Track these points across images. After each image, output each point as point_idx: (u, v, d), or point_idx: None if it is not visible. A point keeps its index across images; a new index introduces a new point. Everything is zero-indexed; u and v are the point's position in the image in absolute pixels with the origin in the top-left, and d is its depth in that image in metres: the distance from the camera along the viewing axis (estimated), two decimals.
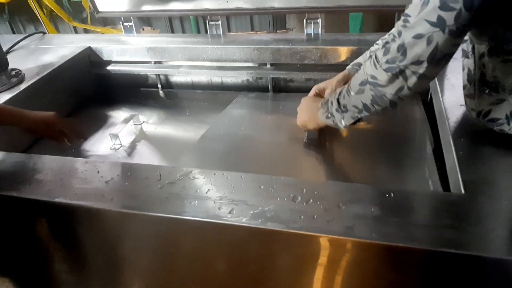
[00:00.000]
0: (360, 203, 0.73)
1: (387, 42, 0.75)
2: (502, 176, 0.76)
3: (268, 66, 1.52)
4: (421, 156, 1.07)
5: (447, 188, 0.85)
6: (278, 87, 1.60)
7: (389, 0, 1.36)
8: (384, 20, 2.72)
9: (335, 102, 0.91)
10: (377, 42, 1.13)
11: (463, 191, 0.74)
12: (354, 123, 0.91)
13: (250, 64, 1.54)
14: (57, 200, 0.82)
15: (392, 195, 0.74)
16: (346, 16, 3.07)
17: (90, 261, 0.95)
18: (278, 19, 3.96)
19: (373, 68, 0.78)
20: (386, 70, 0.75)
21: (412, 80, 0.73)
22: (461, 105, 0.98)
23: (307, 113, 1.08)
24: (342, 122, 0.92)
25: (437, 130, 1.04)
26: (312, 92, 1.16)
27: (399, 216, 0.69)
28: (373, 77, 0.78)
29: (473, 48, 0.85)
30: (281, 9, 1.48)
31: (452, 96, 1.03)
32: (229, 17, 3.99)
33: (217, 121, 1.35)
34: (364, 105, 0.84)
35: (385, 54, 0.74)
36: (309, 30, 1.50)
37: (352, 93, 0.85)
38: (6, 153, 0.99)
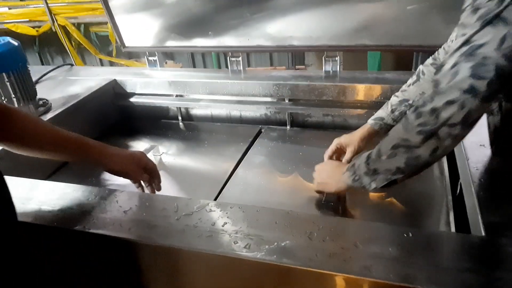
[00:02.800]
0: (378, 243, 0.72)
1: (417, 107, 0.74)
2: None
3: (287, 101, 1.55)
4: (440, 198, 1.06)
5: (467, 230, 0.83)
6: (296, 122, 1.62)
7: (407, 39, 1.39)
8: (402, 58, 2.76)
9: (363, 166, 0.88)
10: (396, 94, 1.11)
11: (483, 233, 0.72)
12: (387, 185, 0.87)
13: (269, 99, 1.57)
14: (76, 228, 0.83)
15: (411, 235, 0.73)
16: (364, 53, 3.11)
17: None
18: (296, 55, 4.04)
19: (405, 131, 0.76)
20: (419, 133, 0.73)
21: (447, 141, 0.72)
22: (481, 145, 0.98)
23: (329, 175, 1.04)
24: (372, 185, 0.87)
25: (457, 171, 1.03)
26: (333, 147, 1.13)
27: (417, 257, 0.68)
28: (405, 140, 0.77)
29: (499, 106, 0.85)
30: (300, 47, 1.52)
31: (472, 136, 1.02)
32: (249, 52, 4.10)
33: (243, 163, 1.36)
34: (398, 168, 0.81)
35: (417, 117, 0.73)
36: (328, 67, 1.53)
37: (383, 157, 0.82)
38: (29, 180, 1.02)
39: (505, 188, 0.83)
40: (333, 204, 1.08)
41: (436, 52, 1.09)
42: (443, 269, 0.65)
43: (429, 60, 1.09)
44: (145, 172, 1.04)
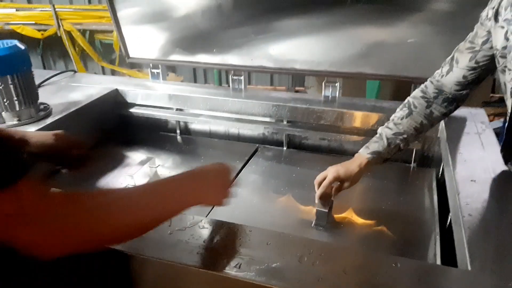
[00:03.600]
0: (366, 270, 0.73)
1: None
2: (509, 255, 0.76)
3: (285, 122, 1.57)
4: (429, 229, 1.08)
5: (455, 263, 0.85)
6: (292, 143, 1.64)
7: (405, 71, 1.42)
8: (400, 88, 2.80)
9: None
10: (388, 125, 1.11)
11: (469, 267, 0.74)
12: None
13: (268, 119, 1.60)
14: None
15: (399, 265, 0.74)
16: (363, 81, 3.16)
17: None
18: (297, 77, 4.09)
19: None
20: None
21: None
22: (471, 180, 1.00)
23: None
24: None
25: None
26: (331, 179, 1.07)
27: (404, 287, 0.69)
28: None
29: None
30: (301, 71, 1.55)
31: (464, 171, 1.05)
32: (251, 72, 4.15)
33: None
34: None
35: None
36: (327, 92, 1.56)
37: None
38: None
39: (494, 223, 0.85)
40: (322, 227, 1.10)
41: (424, 85, 1.12)
42: None
43: (418, 93, 1.11)
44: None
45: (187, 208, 0.74)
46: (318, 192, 1.09)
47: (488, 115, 3.82)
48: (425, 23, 1.32)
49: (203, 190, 0.79)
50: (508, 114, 0.97)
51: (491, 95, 3.83)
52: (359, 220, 1.15)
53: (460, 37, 1.29)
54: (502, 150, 1.07)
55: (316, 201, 1.09)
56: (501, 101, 3.80)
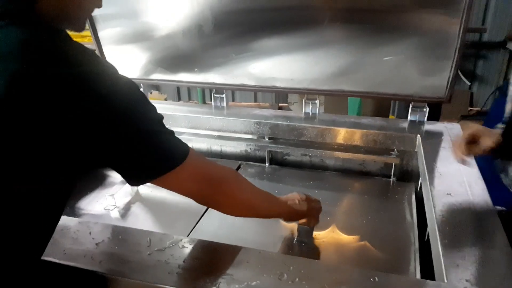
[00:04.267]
0: (345, 286, 0.74)
1: None
2: (484, 266, 0.78)
3: (267, 139, 1.59)
4: (409, 243, 1.09)
5: (432, 276, 0.86)
6: (275, 160, 1.65)
7: (383, 88, 1.45)
8: (381, 104, 2.86)
9: None
10: None
11: (445, 280, 0.75)
12: None
13: (250, 136, 1.61)
14: (46, 258, 0.82)
15: (377, 279, 0.75)
16: (345, 98, 3.21)
17: None
18: (280, 94, 4.14)
19: None
20: None
21: None
22: (447, 193, 1.02)
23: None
24: None
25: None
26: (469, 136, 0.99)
27: None
28: None
29: None
30: (282, 89, 1.57)
31: (440, 185, 1.07)
32: (233, 90, 4.18)
33: None
34: None
35: None
36: (307, 109, 1.58)
37: None
38: None
39: (469, 236, 0.87)
40: (305, 244, 1.10)
41: None
42: None
43: None
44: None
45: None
46: (456, 147, 1.02)
47: None
48: (400, 41, 1.36)
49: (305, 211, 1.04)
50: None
51: (469, 108, 3.93)
52: (341, 236, 1.16)
53: (433, 54, 1.34)
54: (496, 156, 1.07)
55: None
56: (479, 114, 3.89)
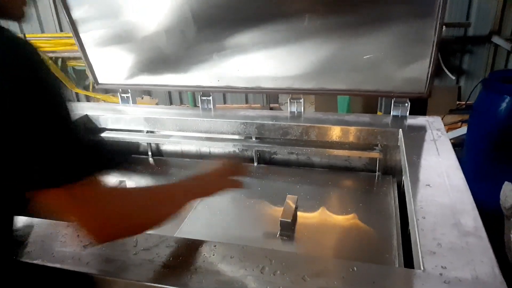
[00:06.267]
0: (324, 276, 0.76)
1: None
2: (460, 253, 0.80)
3: (254, 139, 1.61)
4: (391, 235, 1.12)
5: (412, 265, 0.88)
6: (263, 159, 1.68)
7: (366, 85, 1.48)
8: (369, 101, 2.90)
9: None
10: None
11: (422, 268, 0.78)
12: None
13: (237, 137, 1.63)
14: (35, 262, 0.84)
15: (356, 269, 0.78)
16: (334, 96, 3.25)
17: None
18: (266, 94, 4.16)
19: None
20: None
21: None
22: (426, 185, 1.05)
23: None
24: None
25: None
26: None
27: None
28: None
29: None
30: (267, 89, 1.60)
31: (420, 176, 1.10)
32: (220, 92, 4.20)
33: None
34: None
35: None
36: (293, 108, 1.61)
37: None
38: None
39: (445, 224, 0.90)
40: (288, 237, 1.13)
41: None
42: None
43: None
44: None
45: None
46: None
47: (456, 122, 3.95)
48: (379, 38, 1.39)
49: (203, 185, 0.95)
50: None
51: (458, 103, 3.98)
52: (324, 229, 1.18)
53: (412, 50, 1.37)
54: None
55: None
56: (467, 108, 3.92)
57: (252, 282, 0.76)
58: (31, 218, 1.00)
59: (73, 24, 1.64)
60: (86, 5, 1.58)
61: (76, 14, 1.61)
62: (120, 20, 1.60)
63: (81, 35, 1.67)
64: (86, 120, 1.74)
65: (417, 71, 1.40)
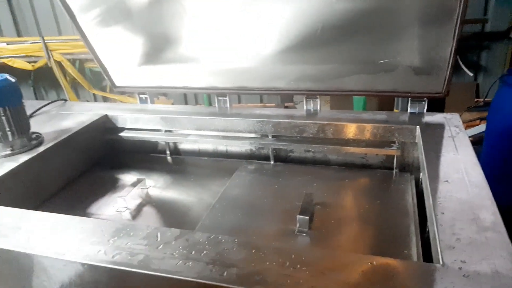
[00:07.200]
0: (343, 271, 0.78)
1: None
2: (479, 248, 0.81)
3: (270, 137, 1.63)
4: (409, 231, 1.12)
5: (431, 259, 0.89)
6: (279, 157, 1.69)
7: (383, 85, 1.48)
8: (385, 100, 2.89)
9: None
10: None
11: (441, 262, 0.78)
12: None
13: (253, 135, 1.65)
14: (61, 257, 0.87)
15: (374, 263, 0.79)
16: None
17: None
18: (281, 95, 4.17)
19: None
20: None
21: None
22: (445, 181, 1.05)
23: None
24: None
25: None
26: None
27: (378, 284, 0.73)
28: None
29: None
30: (283, 90, 1.61)
31: (438, 173, 1.10)
32: (235, 94, 4.23)
33: (221, 196, 1.41)
34: None
35: None
36: (309, 106, 1.62)
37: None
38: (19, 210, 1.07)
39: (464, 219, 0.90)
40: (305, 233, 1.14)
41: None
42: None
43: None
44: None
45: None
46: None
47: (475, 119, 3.89)
48: (397, 36, 1.39)
49: None
50: None
51: (476, 99, 3.93)
52: (341, 226, 1.19)
53: (430, 49, 1.37)
54: None
55: None
56: (486, 105, 3.87)
57: (272, 276, 0.77)
58: (53, 214, 1.04)
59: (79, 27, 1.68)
60: (98, 8, 1.61)
61: (85, 19, 1.65)
62: (135, 24, 1.63)
63: (91, 42, 1.71)
64: (106, 120, 1.78)
65: (435, 71, 1.39)
